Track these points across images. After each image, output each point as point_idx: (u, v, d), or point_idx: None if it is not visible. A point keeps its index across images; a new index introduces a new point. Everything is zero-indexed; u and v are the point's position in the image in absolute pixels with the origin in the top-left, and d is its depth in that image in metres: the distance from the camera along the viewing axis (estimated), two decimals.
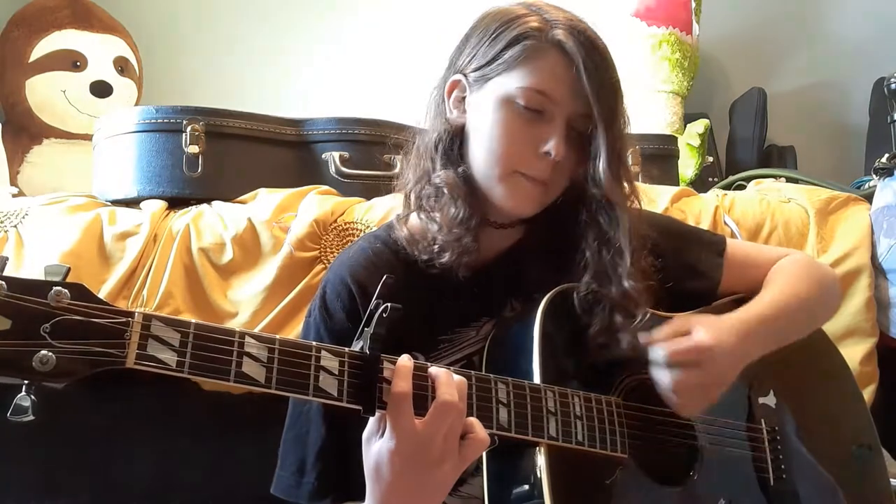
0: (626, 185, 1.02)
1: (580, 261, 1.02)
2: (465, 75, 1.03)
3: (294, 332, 1.39)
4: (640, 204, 1.06)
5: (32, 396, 0.70)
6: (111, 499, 1.50)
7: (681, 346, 0.96)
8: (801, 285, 1.11)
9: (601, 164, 0.97)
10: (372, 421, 0.85)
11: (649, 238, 1.04)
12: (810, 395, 1.16)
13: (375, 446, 0.84)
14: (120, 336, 0.73)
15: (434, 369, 0.86)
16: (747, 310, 1.06)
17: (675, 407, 0.98)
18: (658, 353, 0.96)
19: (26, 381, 0.70)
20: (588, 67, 0.96)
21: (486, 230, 1.04)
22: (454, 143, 1.04)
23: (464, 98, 1.03)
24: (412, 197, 1.06)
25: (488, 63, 1.00)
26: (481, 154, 1.01)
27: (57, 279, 0.71)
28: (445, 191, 1.02)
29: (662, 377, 0.96)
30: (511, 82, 0.98)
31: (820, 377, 1.20)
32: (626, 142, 1.02)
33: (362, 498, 0.87)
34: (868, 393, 1.41)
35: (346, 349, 0.84)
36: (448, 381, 0.84)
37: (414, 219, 1.06)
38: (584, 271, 1.01)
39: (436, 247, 1.01)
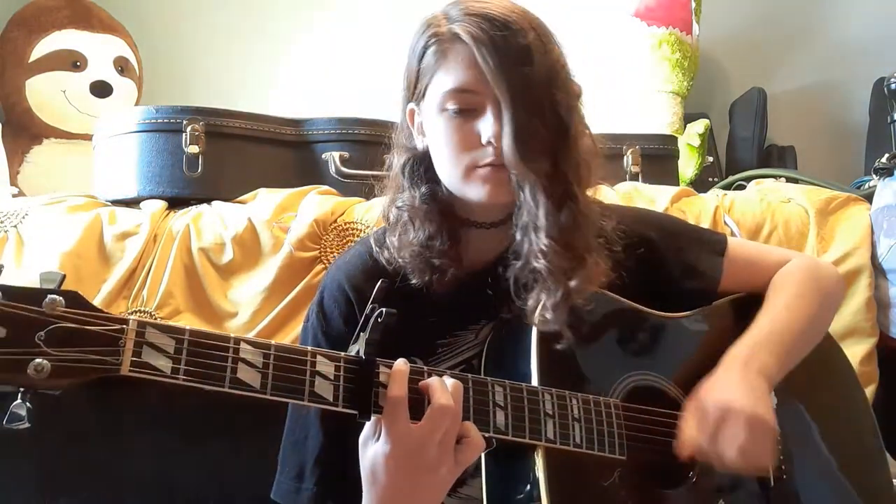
0: (561, 160, 0.96)
1: (511, 236, 0.99)
2: (414, 101, 1.02)
3: (294, 331, 1.40)
4: (580, 181, 0.99)
5: (28, 404, 0.70)
6: (111, 499, 1.50)
7: (703, 427, 0.96)
8: (803, 301, 1.10)
9: (505, 140, 0.93)
10: (368, 425, 0.85)
11: (602, 217, 1.02)
12: (812, 393, 1.15)
13: (371, 450, 0.85)
14: (114, 343, 0.73)
15: (426, 380, 0.86)
16: (747, 340, 1.04)
17: (758, 472, 1.01)
18: (701, 449, 0.96)
19: (22, 389, 0.70)
20: (484, 43, 0.92)
21: (475, 233, 1.04)
22: (419, 165, 1.03)
23: (422, 122, 1.03)
24: (390, 218, 1.06)
25: (418, 80, 1.00)
26: (442, 166, 1.01)
27: (52, 286, 0.72)
28: (406, 214, 1.02)
29: (724, 465, 0.96)
30: (436, 91, 0.97)
31: (822, 376, 1.19)
32: (551, 109, 0.95)
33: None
34: (868, 393, 1.41)
35: (342, 354, 0.84)
36: (442, 387, 0.85)
37: (390, 240, 1.05)
38: (512, 245, 0.99)
39: (407, 268, 1.01)
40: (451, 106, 0.96)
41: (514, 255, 0.99)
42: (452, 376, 0.88)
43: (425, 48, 0.98)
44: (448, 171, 1.00)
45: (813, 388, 1.16)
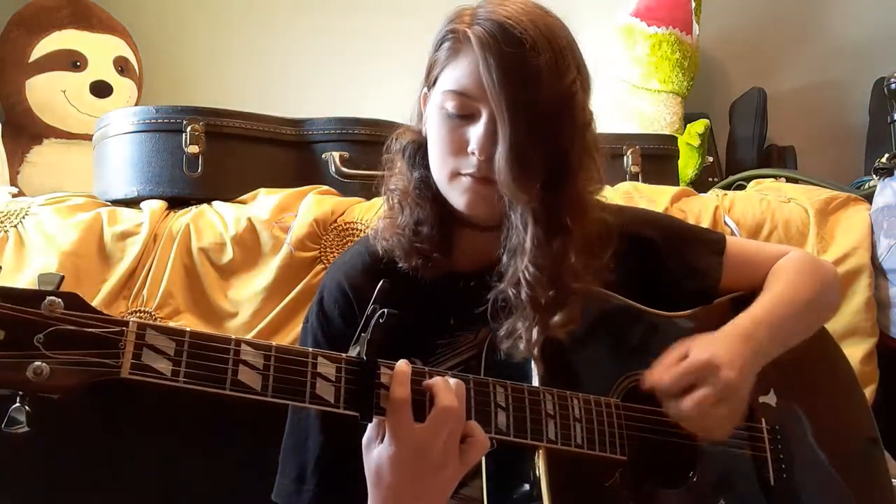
0: (557, 189, 0.94)
1: (498, 259, 0.98)
2: (427, 87, 1.03)
3: (294, 331, 1.40)
4: (574, 214, 0.96)
5: (27, 408, 0.70)
6: (111, 499, 1.50)
7: (678, 371, 0.95)
8: (801, 286, 1.11)
9: (499, 159, 0.91)
10: (371, 426, 0.85)
11: (602, 242, 1.00)
12: (811, 392, 1.15)
13: (375, 452, 0.85)
14: (114, 346, 0.72)
15: (430, 380, 0.86)
16: (747, 316, 1.05)
17: (703, 435, 0.98)
18: (662, 388, 0.95)
19: (20, 393, 0.70)
20: (493, 54, 0.90)
21: (468, 234, 1.04)
22: (418, 150, 1.03)
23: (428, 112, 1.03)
24: (387, 203, 1.06)
25: (432, 67, 1.00)
26: (432, 160, 1.01)
27: (51, 288, 0.71)
28: (397, 197, 1.02)
29: (675, 411, 0.95)
30: (441, 85, 0.98)
31: (820, 374, 1.20)
32: (552, 137, 0.93)
33: None
34: (868, 393, 1.41)
35: (343, 355, 0.84)
36: (446, 388, 0.85)
37: (380, 222, 1.05)
38: (498, 266, 0.98)
39: (395, 251, 1.01)
40: (448, 106, 0.96)
41: (497, 276, 0.98)
42: (454, 377, 0.87)
43: (443, 40, 0.98)
44: (435, 170, 1.00)
45: (813, 389, 1.16)
